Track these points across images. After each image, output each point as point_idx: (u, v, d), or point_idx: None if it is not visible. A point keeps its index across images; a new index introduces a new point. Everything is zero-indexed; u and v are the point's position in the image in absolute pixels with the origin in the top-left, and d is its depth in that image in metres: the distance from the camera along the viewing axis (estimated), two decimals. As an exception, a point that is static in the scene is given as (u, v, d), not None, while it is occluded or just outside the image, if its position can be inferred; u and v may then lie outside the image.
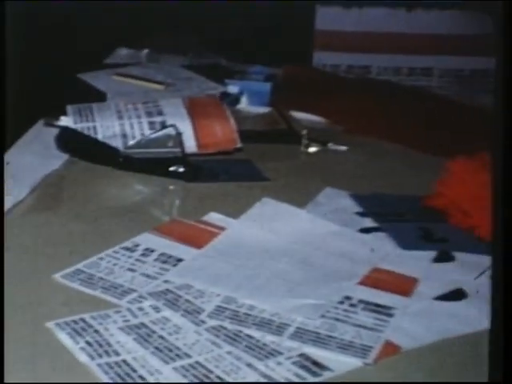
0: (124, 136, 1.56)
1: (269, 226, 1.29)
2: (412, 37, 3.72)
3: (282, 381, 0.92)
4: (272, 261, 1.19)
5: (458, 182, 1.32)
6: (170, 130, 1.50)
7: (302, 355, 0.97)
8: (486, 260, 1.23)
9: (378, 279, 1.16)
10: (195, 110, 1.64)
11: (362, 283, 1.15)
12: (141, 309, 1.05)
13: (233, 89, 1.89)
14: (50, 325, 1.00)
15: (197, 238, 1.24)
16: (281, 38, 4.29)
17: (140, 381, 0.90)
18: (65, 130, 1.57)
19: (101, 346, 0.96)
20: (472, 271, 1.20)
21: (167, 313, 1.04)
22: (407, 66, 3.77)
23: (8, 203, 1.30)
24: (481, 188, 1.30)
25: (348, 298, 1.10)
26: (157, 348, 0.96)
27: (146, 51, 2.39)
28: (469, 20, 3.64)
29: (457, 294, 1.13)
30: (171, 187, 1.48)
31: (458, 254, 1.25)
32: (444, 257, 1.24)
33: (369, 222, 1.34)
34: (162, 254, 1.19)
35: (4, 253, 1.07)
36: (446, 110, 1.98)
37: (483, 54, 3.69)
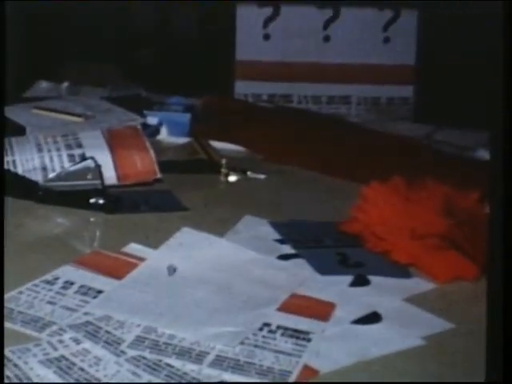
0: (44, 169, 1.55)
1: (188, 255, 1.29)
2: (330, 66, 3.78)
3: (202, 408, 0.93)
4: (191, 289, 1.19)
5: (372, 207, 1.35)
6: (89, 163, 1.50)
7: (221, 383, 0.98)
8: (400, 283, 1.26)
9: (296, 305, 1.17)
10: (115, 141, 1.64)
11: (280, 309, 1.16)
12: (61, 341, 1.04)
13: (152, 120, 1.89)
14: (-31, 360, 0.99)
15: (117, 270, 1.24)
16: (202, 69, 4.31)
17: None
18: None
19: (20, 380, 0.95)
20: (387, 294, 1.22)
21: (87, 344, 1.04)
22: (327, 95, 3.83)
23: None
24: (393, 212, 1.33)
25: (267, 324, 1.11)
26: (77, 380, 0.96)
27: (65, 84, 2.38)
28: (388, 50, 3.71)
29: (373, 317, 1.15)
30: (92, 219, 1.48)
31: (373, 278, 1.27)
32: (360, 281, 1.26)
33: (287, 249, 1.36)
34: (82, 286, 1.19)
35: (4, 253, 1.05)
36: (361, 137, 2.01)
37: (400, 83, 3.76)
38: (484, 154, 1.96)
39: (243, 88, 3.81)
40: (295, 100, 3.82)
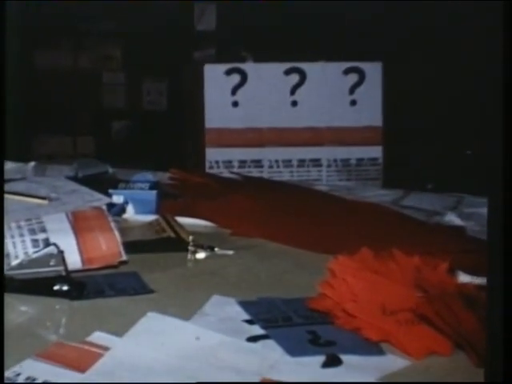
0: (7, 256, 1.50)
1: (154, 343, 1.23)
2: (299, 130, 3.77)
3: None
4: (157, 380, 1.13)
5: (340, 282, 1.30)
6: (52, 249, 1.45)
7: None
8: (373, 361, 1.21)
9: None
10: (79, 223, 1.59)
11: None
12: None
13: (118, 199, 1.84)
14: None
15: (80, 362, 1.18)
16: (173, 139, 4.29)
17: None
18: None
19: None
20: (360, 375, 1.17)
21: None
22: (297, 158, 3.81)
23: None
24: (362, 287, 1.28)
25: (236, 414, 1.06)
26: None
27: (32, 164, 2.34)
28: (355, 112, 3.70)
29: (346, 402, 1.10)
30: (57, 306, 1.42)
31: (345, 357, 1.21)
32: (332, 361, 1.21)
33: (257, 330, 1.30)
34: (45, 383, 1.12)
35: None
36: (329, 206, 1.97)
37: (368, 144, 3.75)
38: (453, 219, 1.93)
39: (214, 155, 3.79)
40: (266, 165, 3.80)
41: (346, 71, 3.72)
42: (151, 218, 1.83)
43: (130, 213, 1.86)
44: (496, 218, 0.83)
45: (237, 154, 3.85)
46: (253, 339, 1.27)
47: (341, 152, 3.87)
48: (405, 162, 3.91)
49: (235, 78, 3.77)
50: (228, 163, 3.82)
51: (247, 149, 3.86)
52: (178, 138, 4.30)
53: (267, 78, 3.80)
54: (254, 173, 3.72)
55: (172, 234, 1.72)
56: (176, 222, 1.78)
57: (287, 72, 3.79)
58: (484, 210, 1.96)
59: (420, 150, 3.93)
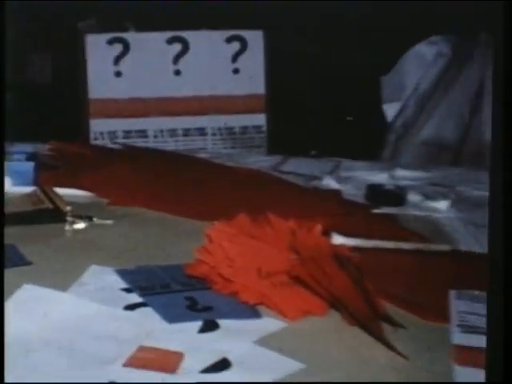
0: None
1: (30, 315, 1.21)
2: (183, 99, 3.74)
3: None
4: (32, 352, 1.11)
5: (217, 248, 1.30)
6: None
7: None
8: (250, 324, 1.22)
9: (143, 358, 1.11)
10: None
11: (127, 364, 1.09)
12: None
13: (-7, 170, 1.79)
14: None
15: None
16: (57, 110, 4.20)
17: None
18: None
19: None
20: (237, 338, 1.17)
21: None
22: (182, 128, 3.78)
23: None
24: (239, 252, 1.28)
25: (113, 382, 1.04)
26: None
27: None
28: (238, 80, 3.69)
29: (222, 364, 1.10)
30: None
31: (222, 322, 1.22)
32: (209, 326, 1.21)
33: (134, 298, 1.29)
34: None
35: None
36: (209, 174, 1.97)
37: (252, 112, 3.75)
38: (330, 182, 1.95)
39: (98, 126, 3.73)
40: (151, 135, 3.77)
41: (229, 39, 3.70)
42: (29, 189, 1.79)
43: (7, 185, 1.81)
44: (497, 228, 0.83)
45: (121, 124, 3.80)
46: (130, 307, 1.26)
47: (225, 120, 3.85)
48: (288, 129, 3.92)
49: (118, 48, 3.71)
50: (112, 134, 3.76)
51: (131, 119, 3.81)
52: (63, 110, 4.22)
53: (150, 47, 3.75)
54: (139, 143, 3.68)
55: (50, 205, 1.69)
56: (54, 192, 1.74)
57: (170, 41, 3.75)
58: (360, 173, 2.00)
59: (303, 117, 3.95)
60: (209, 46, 3.73)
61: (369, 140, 3.63)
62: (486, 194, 1.93)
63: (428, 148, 3.42)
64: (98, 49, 3.68)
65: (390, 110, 3.64)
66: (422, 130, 3.45)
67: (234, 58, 3.73)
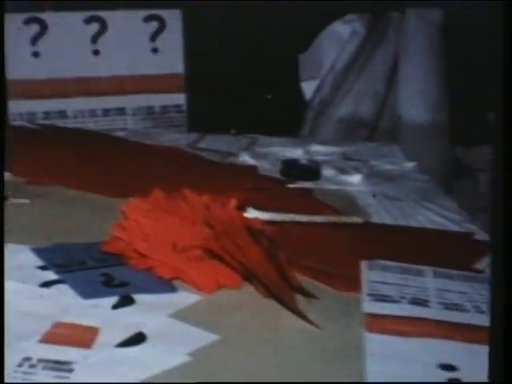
0: None
1: None
2: (102, 79, 3.70)
3: None
4: None
5: (132, 224, 1.29)
6: None
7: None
8: (165, 298, 1.22)
9: (58, 334, 1.10)
10: None
11: (42, 341, 1.08)
12: None
13: None
14: None
15: None
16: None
17: None
18: None
19: None
20: (152, 312, 1.17)
21: None
22: (102, 108, 3.75)
23: None
24: (154, 228, 1.28)
25: (27, 358, 1.04)
26: None
27: None
28: (157, 60, 3.67)
29: (137, 338, 1.10)
30: None
31: (138, 297, 1.22)
32: (125, 301, 1.20)
33: (50, 275, 1.28)
34: None
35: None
36: (126, 151, 1.96)
37: (172, 91, 3.74)
38: (246, 159, 1.96)
39: (17, 107, 3.67)
40: (71, 115, 3.72)
41: (146, 19, 3.67)
42: None
43: None
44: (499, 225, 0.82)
45: (40, 105, 3.74)
46: (46, 285, 1.25)
47: (145, 100, 3.83)
48: (208, 108, 3.92)
49: (34, 28, 3.65)
50: (31, 115, 3.71)
51: (51, 100, 3.76)
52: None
53: (67, 27, 3.70)
54: (59, 124, 3.63)
55: (-35, 186, 1.66)
56: (-33, 172, 1.71)
57: (87, 21, 3.71)
58: (276, 149, 2.01)
59: (223, 96, 3.95)
60: (127, 25, 3.70)
61: (288, 118, 3.65)
62: (397, 167, 1.97)
63: (345, 125, 3.45)
64: (13, 29, 3.61)
65: (308, 88, 3.67)
66: (339, 107, 3.48)
67: (153, 38, 3.70)
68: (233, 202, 1.34)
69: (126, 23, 3.66)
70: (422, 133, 3.33)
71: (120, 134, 2.22)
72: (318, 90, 3.55)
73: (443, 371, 1.04)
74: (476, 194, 3.82)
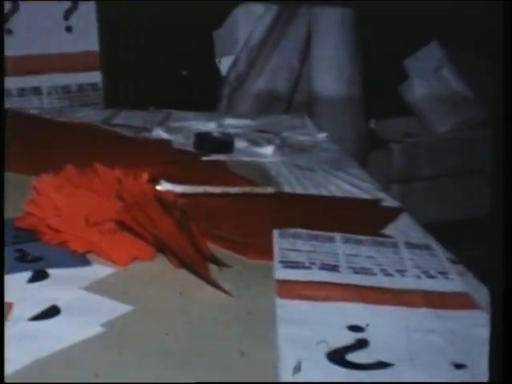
0: None
1: None
2: (16, 58, 3.64)
3: None
4: None
5: (45, 199, 1.28)
6: None
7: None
8: (79, 272, 1.22)
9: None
10: None
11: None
12: None
13: None
14: None
15: None
16: None
17: None
18: None
19: None
20: (66, 285, 1.17)
21: None
22: (16, 88, 3.69)
23: None
24: (66, 203, 1.28)
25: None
26: None
27: None
28: (71, 38, 3.62)
29: (51, 311, 1.10)
30: None
31: (52, 271, 1.21)
32: (39, 276, 1.20)
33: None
34: None
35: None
36: (41, 130, 1.93)
37: (87, 70, 3.70)
38: (160, 133, 1.96)
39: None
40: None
41: (60, -3, 3.62)
42: None
43: None
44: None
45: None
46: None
47: (60, 79, 3.78)
48: (125, 85, 3.89)
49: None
50: None
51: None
52: None
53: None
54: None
55: None
56: None
57: (-1, 0, 3.63)
58: (189, 123, 2.01)
59: (139, 73, 3.93)
60: (39, 4, 3.64)
61: (204, 94, 3.65)
62: (309, 138, 1.99)
63: (261, 99, 3.46)
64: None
65: (224, 64, 3.67)
66: (255, 82, 3.49)
67: (66, 16, 3.65)
68: (145, 175, 1.34)
69: (38, 2, 3.60)
70: (336, 106, 3.37)
71: (34, 111, 2.19)
72: (233, 65, 3.55)
73: (351, 332, 1.06)
74: (390, 164, 3.89)
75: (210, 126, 2.01)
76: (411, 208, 4.07)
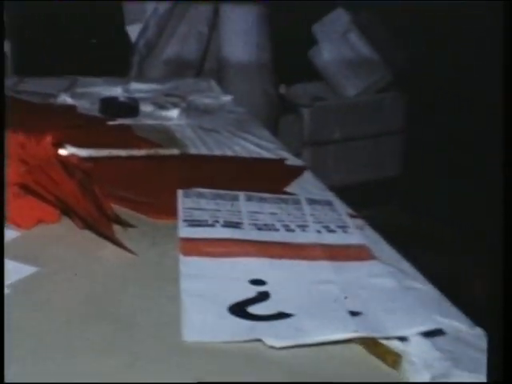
0: None
1: None
2: None
3: None
4: None
5: None
6: None
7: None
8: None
9: None
10: None
11: None
12: None
13: None
14: None
15: None
16: None
17: None
18: None
19: None
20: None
21: None
22: None
23: None
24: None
25: None
26: None
27: None
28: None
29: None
30: None
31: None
32: None
33: None
34: None
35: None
36: None
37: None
38: (65, 99, 1.94)
39: None
40: None
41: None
42: None
43: None
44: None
45: None
46: None
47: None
48: (34, 54, 3.83)
49: None
50: None
51: None
52: None
53: None
54: None
55: None
56: None
57: None
58: (95, 89, 2.00)
59: (48, 41, 3.87)
60: None
61: (114, 61, 3.62)
62: (215, 101, 2.00)
63: (171, 66, 3.45)
64: None
65: (133, 32, 3.64)
66: (165, 49, 3.48)
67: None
68: (48, 139, 1.32)
69: None
70: (245, 72, 3.37)
71: None
72: (142, 33, 3.53)
73: (253, 285, 1.08)
74: (301, 129, 3.92)
75: (116, 91, 2.00)
76: (323, 170, 4.14)
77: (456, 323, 1.02)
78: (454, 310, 1.06)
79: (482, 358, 0.93)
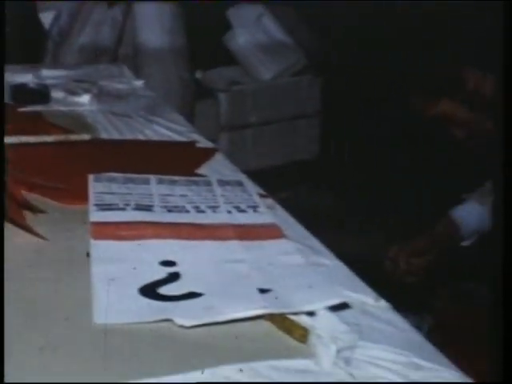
0: None
1: None
2: None
3: None
4: None
5: None
6: None
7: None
8: None
9: None
10: None
11: None
12: None
13: None
14: None
15: None
16: None
17: None
18: None
19: None
20: None
21: None
22: None
23: None
24: None
25: None
26: None
27: None
28: None
29: None
30: None
31: None
32: None
33: None
34: None
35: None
36: None
37: None
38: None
39: None
40: None
41: None
42: None
43: None
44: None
45: None
46: None
47: None
48: None
49: None
50: None
51: None
52: None
53: None
54: None
55: None
56: None
57: None
58: (6, 76, 1.96)
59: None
60: None
61: (29, 49, 3.56)
62: (126, 86, 1.98)
63: (86, 53, 3.41)
64: None
65: (46, 19, 3.58)
66: (78, 36, 3.43)
67: None
68: None
69: None
70: (160, 57, 3.36)
71: None
72: (55, 20, 3.48)
73: (163, 267, 1.08)
74: (218, 113, 3.92)
75: (26, 78, 1.97)
76: (241, 154, 4.14)
77: (362, 296, 1.04)
78: (360, 283, 1.08)
79: (387, 330, 0.95)
